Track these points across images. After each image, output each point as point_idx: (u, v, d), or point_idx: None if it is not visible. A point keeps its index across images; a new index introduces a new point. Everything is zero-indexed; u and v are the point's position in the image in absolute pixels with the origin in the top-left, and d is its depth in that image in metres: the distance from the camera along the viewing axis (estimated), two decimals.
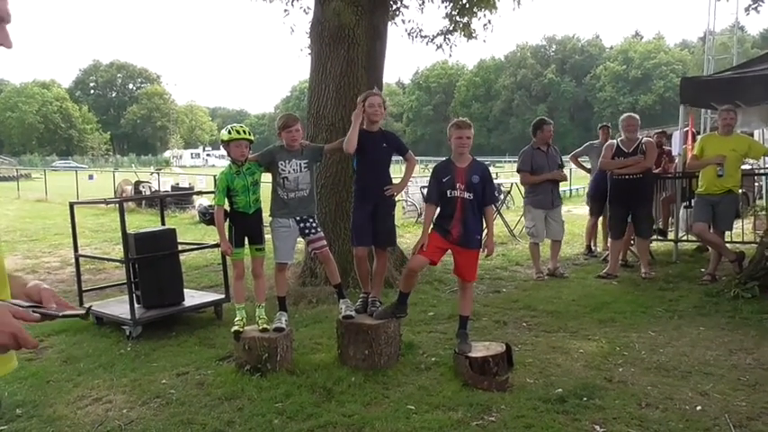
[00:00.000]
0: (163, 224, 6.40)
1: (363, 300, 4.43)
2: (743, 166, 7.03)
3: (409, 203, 14.17)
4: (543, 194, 6.96)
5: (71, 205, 5.86)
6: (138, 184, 17.43)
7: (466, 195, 3.93)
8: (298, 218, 4.22)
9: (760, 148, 6.63)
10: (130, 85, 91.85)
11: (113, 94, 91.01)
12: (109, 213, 14.48)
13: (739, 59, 12.80)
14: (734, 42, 15.17)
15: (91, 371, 4.24)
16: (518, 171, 7.18)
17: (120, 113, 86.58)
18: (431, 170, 4.28)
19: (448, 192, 3.95)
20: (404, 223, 11.82)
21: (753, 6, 9.11)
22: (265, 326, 4.20)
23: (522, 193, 7.87)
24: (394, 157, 4.54)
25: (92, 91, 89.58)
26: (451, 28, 8.73)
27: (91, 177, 24.17)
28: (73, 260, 6.26)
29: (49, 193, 20.90)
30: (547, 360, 4.10)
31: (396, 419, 3.22)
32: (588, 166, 9.05)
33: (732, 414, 3.18)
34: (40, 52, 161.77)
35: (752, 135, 8.87)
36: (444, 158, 4.21)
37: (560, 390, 3.54)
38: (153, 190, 16.71)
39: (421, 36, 9.00)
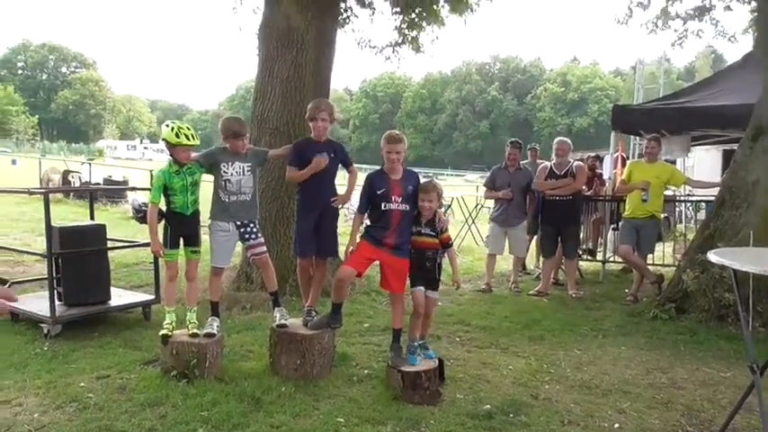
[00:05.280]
0: (92, 218, 6.11)
1: (308, 312, 4.31)
2: (666, 192, 7.47)
3: (351, 212, 14.16)
4: (498, 212, 7.29)
5: None
6: (66, 173, 16.38)
7: (402, 207, 3.89)
8: (238, 222, 4.12)
9: (680, 176, 7.06)
10: (63, 69, 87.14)
11: (44, 77, 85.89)
12: (32, 202, 13.63)
13: (666, 89, 13.75)
14: (661, 73, 16.26)
15: (0, 371, 3.97)
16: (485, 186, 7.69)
17: (50, 97, 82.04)
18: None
19: (383, 204, 3.88)
20: (345, 231, 11.74)
21: (677, 42, 9.96)
22: (195, 331, 4.07)
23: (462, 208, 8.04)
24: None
25: (19, 71, 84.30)
26: (400, 40, 8.84)
27: (14, 162, 22.87)
28: None
29: None
30: (477, 376, 4.18)
31: None
32: None
33: (646, 431, 3.34)
34: None
35: (674, 163, 9.41)
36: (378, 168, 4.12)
37: (488, 406, 3.62)
38: (83, 181, 15.82)
39: (370, 46, 9.07)
